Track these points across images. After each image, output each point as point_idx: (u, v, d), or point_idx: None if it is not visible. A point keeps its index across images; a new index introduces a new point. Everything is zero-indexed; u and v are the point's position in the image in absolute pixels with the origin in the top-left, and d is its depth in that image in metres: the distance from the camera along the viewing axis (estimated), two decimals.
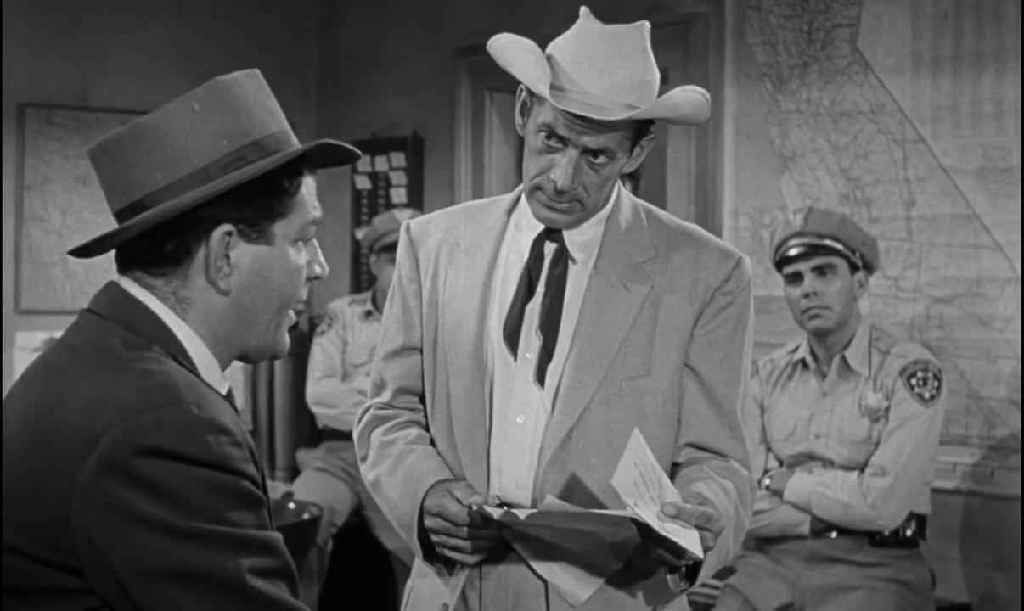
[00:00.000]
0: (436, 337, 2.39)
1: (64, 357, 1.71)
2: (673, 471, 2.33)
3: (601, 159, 2.24)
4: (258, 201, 1.73)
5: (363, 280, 6.26)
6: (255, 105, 1.75)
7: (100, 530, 1.57)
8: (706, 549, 2.11)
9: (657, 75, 2.26)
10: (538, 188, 2.28)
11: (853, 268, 3.88)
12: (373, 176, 6.28)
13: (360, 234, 5.86)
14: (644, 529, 2.07)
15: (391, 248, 5.37)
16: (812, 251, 3.86)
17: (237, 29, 6.28)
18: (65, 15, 5.66)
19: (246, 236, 1.73)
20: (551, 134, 2.23)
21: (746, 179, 4.89)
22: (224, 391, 1.77)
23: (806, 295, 3.85)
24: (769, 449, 3.97)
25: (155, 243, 1.70)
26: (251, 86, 1.75)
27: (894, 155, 4.53)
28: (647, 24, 2.27)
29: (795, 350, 4.03)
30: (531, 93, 2.27)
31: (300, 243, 1.80)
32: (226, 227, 1.71)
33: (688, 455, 2.34)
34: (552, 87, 2.20)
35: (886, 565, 3.81)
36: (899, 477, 3.74)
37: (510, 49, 2.27)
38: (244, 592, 1.60)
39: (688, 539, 2.06)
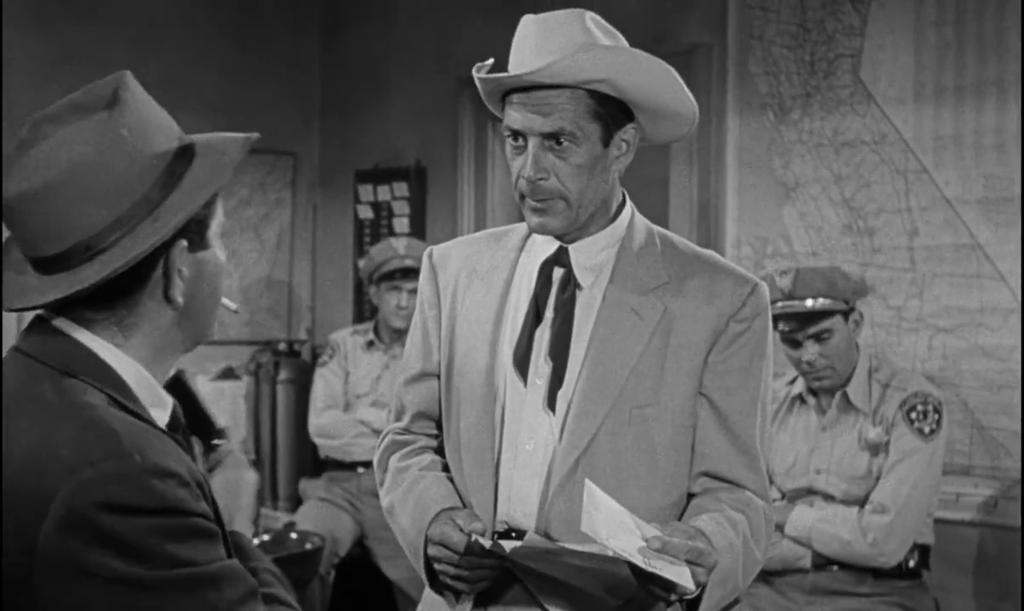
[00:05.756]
0: (451, 363, 2.39)
1: None
2: (688, 501, 2.31)
3: (563, 143, 2.22)
4: (200, 210, 1.70)
5: (365, 310, 6.26)
6: (157, 111, 1.72)
7: (67, 595, 1.52)
8: (699, 584, 2.08)
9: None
10: (521, 195, 2.28)
11: (847, 313, 3.85)
12: (376, 206, 6.29)
13: (361, 264, 5.86)
14: (630, 565, 2.03)
15: (390, 276, 5.36)
16: (806, 321, 3.81)
17: (241, 59, 6.30)
18: (67, 44, 5.67)
19: (193, 245, 1.71)
20: (514, 134, 2.25)
21: (749, 209, 4.89)
22: (167, 413, 1.72)
23: (808, 362, 3.83)
24: (771, 481, 3.93)
25: (110, 280, 1.64)
26: (140, 90, 1.71)
27: (896, 185, 4.53)
28: (589, 12, 2.26)
29: (793, 381, 4.00)
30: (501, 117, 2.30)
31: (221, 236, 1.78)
32: (183, 242, 1.69)
33: (703, 485, 2.31)
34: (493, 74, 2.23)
35: (890, 595, 3.79)
36: (899, 514, 3.71)
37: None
38: None
39: (677, 573, 2.02)
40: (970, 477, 4.37)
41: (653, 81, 2.23)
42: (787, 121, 4.80)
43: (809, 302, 3.80)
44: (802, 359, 3.82)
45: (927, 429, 3.77)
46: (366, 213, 6.33)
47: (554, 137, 2.21)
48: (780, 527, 3.83)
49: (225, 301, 1.79)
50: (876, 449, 3.79)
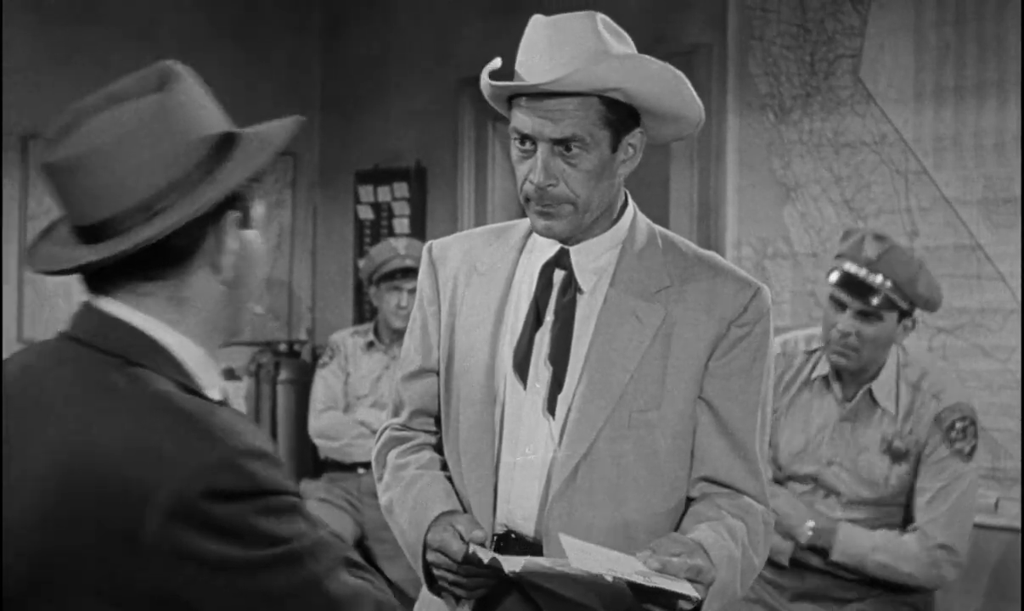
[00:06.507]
0: (451, 361, 2.37)
1: (58, 394, 1.63)
2: (687, 506, 2.30)
3: (573, 149, 2.19)
4: (248, 186, 1.71)
5: (365, 311, 6.25)
6: (205, 96, 1.73)
7: (181, 584, 1.54)
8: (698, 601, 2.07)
9: (619, 52, 2.21)
10: (527, 198, 2.25)
11: (903, 314, 3.60)
12: (376, 206, 6.29)
13: (361, 265, 5.86)
14: (631, 586, 2.02)
15: (390, 277, 5.36)
16: (868, 293, 3.57)
17: (241, 59, 6.29)
18: (67, 45, 5.67)
19: (242, 221, 1.71)
20: (522, 138, 2.22)
21: (749, 209, 4.89)
22: (219, 392, 1.73)
23: (842, 333, 3.58)
24: (773, 459, 3.73)
25: (162, 244, 1.62)
26: (189, 78, 1.72)
27: (896, 186, 4.53)
28: (600, 14, 2.23)
29: (815, 353, 3.75)
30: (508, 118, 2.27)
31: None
32: (235, 213, 1.69)
33: (702, 490, 2.29)
34: (501, 79, 2.21)
35: (893, 595, 3.71)
36: (965, 551, 3.61)
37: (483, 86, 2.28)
38: (329, 592, 1.64)
39: (679, 585, 2.02)
40: None
41: (664, 88, 2.21)
42: (787, 121, 4.80)
43: (879, 279, 3.56)
44: (837, 325, 3.58)
45: (967, 449, 3.59)
46: (366, 213, 6.33)
47: (564, 143, 2.19)
48: (825, 551, 3.63)
49: None
50: (900, 457, 3.63)
